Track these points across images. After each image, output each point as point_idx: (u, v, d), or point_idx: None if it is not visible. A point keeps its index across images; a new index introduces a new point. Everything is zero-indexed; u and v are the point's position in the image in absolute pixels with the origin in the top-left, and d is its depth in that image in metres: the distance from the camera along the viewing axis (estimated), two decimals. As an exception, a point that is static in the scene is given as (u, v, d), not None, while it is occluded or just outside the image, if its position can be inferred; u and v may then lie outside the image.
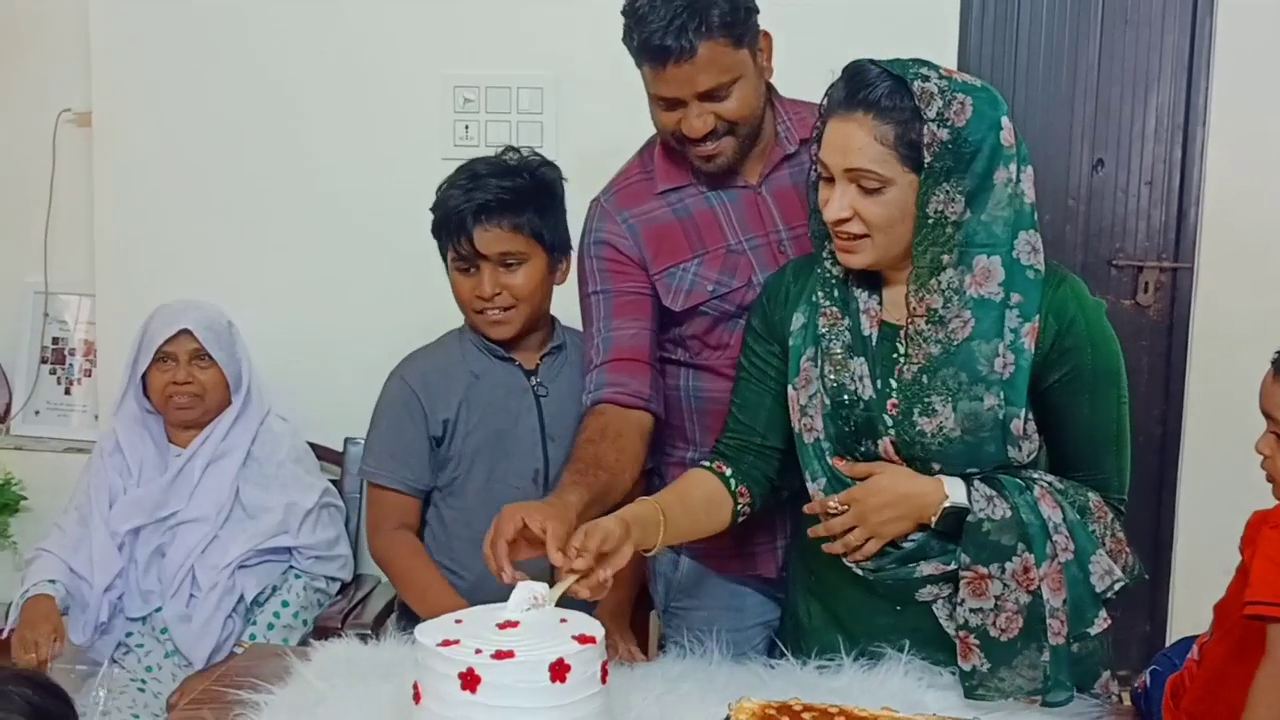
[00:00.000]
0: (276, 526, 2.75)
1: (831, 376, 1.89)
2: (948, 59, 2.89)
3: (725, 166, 2.13)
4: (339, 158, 3.12)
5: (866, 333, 1.89)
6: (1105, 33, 3.21)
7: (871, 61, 1.81)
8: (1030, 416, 1.83)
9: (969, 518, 1.80)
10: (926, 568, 1.86)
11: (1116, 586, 1.83)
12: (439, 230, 2.34)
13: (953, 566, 1.83)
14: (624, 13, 2.06)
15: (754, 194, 2.18)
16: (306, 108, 3.14)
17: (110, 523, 2.74)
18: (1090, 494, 1.87)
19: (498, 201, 2.30)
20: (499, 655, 1.55)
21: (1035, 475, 1.86)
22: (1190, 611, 3.08)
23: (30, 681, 1.36)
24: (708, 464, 2.00)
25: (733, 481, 1.97)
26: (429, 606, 2.15)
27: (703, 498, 1.96)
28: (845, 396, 1.88)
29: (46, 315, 3.49)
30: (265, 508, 2.77)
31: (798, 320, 1.95)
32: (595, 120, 2.97)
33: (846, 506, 1.87)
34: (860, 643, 1.91)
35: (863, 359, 1.88)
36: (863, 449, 1.89)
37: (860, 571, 1.89)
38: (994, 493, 1.81)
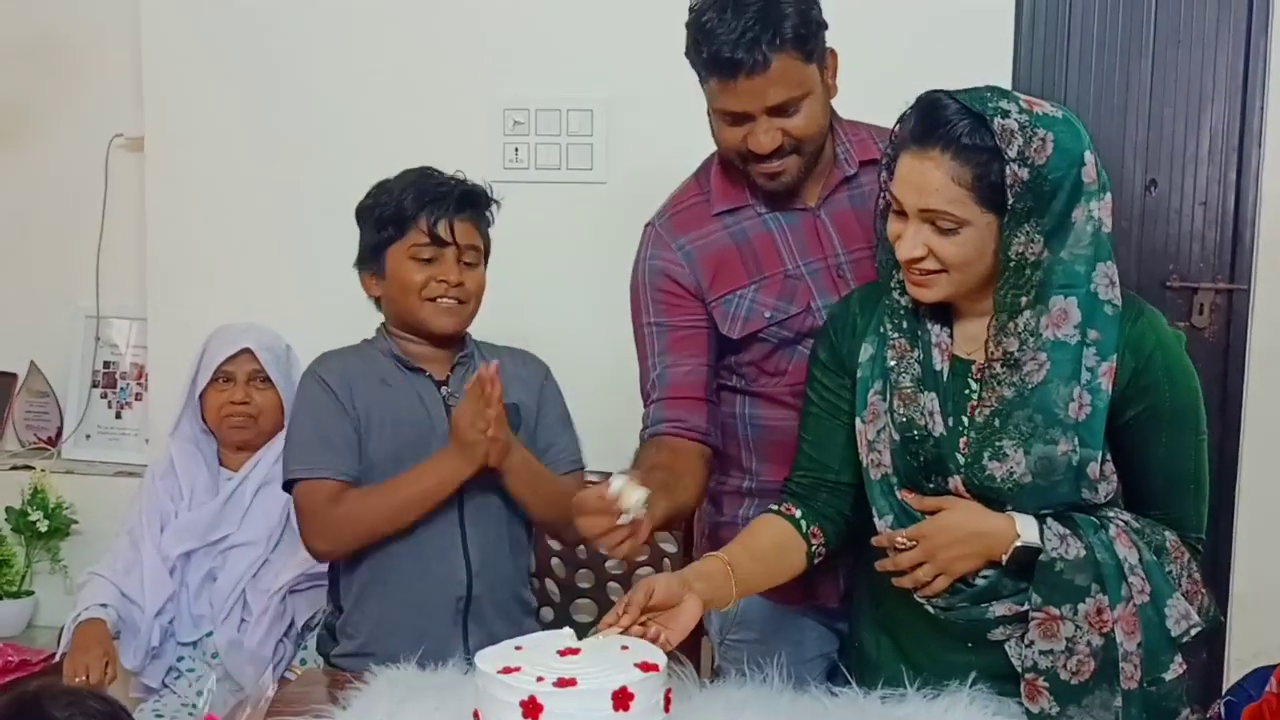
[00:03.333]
0: None
1: (900, 411, 1.84)
2: (1002, 80, 2.87)
3: (789, 185, 2.10)
4: (390, 182, 3.13)
5: (938, 367, 1.84)
6: (1158, 53, 3.17)
7: (948, 94, 1.75)
8: (1108, 457, 1.79)
9: (1041, 557, 1.75)
10: (999, 608, 1.81)
11: (1193, 631, 1.78)
12: (399, 218, 2.30)
13: (1026, 607, 1.78)
14: (689, 26, 2.03)
15: (813, 217, 2.15)
16: (358, 132, 3.15)
17: (162, 547, 2.74)
18: (1167, 533, 1.81)
19: (475, 195, 2.34)
20: (561, 683, 1.54)
21: (1111, 513, 1.80)
22: (1249, 640, 3.03)
23: (105, 702, 1.38)
24: (776, 507, 1.95)
25: (804, 523, 1.92)
26: (426, 479, 2.21)
27: (772, 545, 1.91)
28: (915, 432, 1.83)
29: (98, 339, 3.51)
30: None
31: (866, 351, 1.90)
32: (646, 142, 2.96)
33: (915, 542, 1.83)
34: (929, 679, 1.85)
35: (933, 394, 1.83)
36: (932, 485, 1.84)
37: (931, 609, 1.85)
38: (1068, 531, 1.77)
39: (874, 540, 1.88)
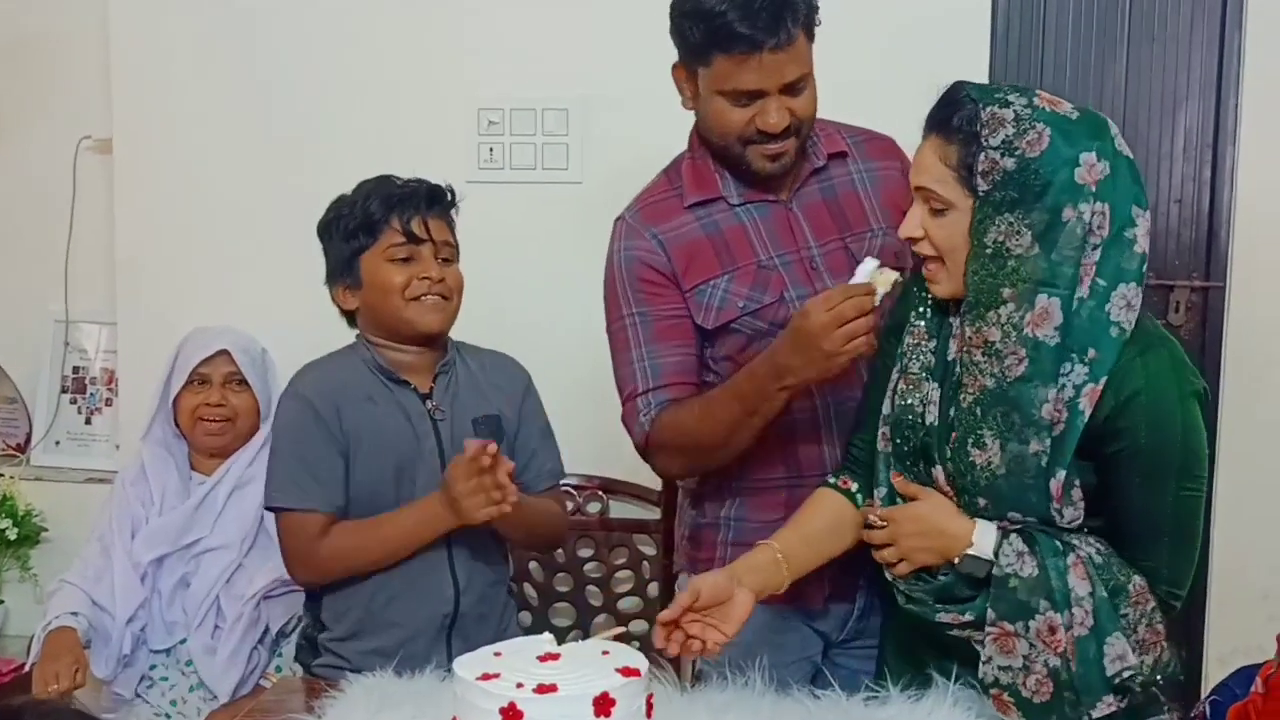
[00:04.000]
0: None
1: (903, 393, 1.88)
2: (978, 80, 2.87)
3: (786, 168, 2.11)
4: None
5: (951, 358, 1.86)
6: (1132, 52, 3.17)
7: (967, 84, 1.80)
8: (1075, 483, 1.76)
9: (995, 571, 1.76)
10: (945, 616, 1.83)
11: (1125, 674, 1.73)
12: (369, 223, 2.26)
13: (968, 618, 1.80)
14: (686, 8, 2.02)
15: (785, 209, 2.16)
16: (330, 132, 3.13)
17: (133, 553, 2.70)
18: (1136, 577, 1.77)
19: (441, 192, 2.31)
20: (541, 689, 1.52)
21: (1077, 541, 1.78)
22: (1226, 638, 3.04)
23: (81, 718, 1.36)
24: (833, 480, 2.00)
25: (860, 497, 1.96)
26: (415, 529, 2.16)
27: (826, 525, 1.96)
28: (910, 416, 1.86)
29: (67, 344, 3.47)
30: None
31: (905, 334, 1.94)
32: (622, 142, 2.94)
33: (886, 523, 1.87)
34: (911, 657, 1.90)
35: (937, 385, 1.85)
36: (916, 471, 1.87)
37: (895, 593, 1.90)
38: (1027, 550, 1.76)
39: (860, 509, 1.94)
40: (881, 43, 2.91)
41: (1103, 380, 1.72)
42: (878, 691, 1.83)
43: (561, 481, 2.50)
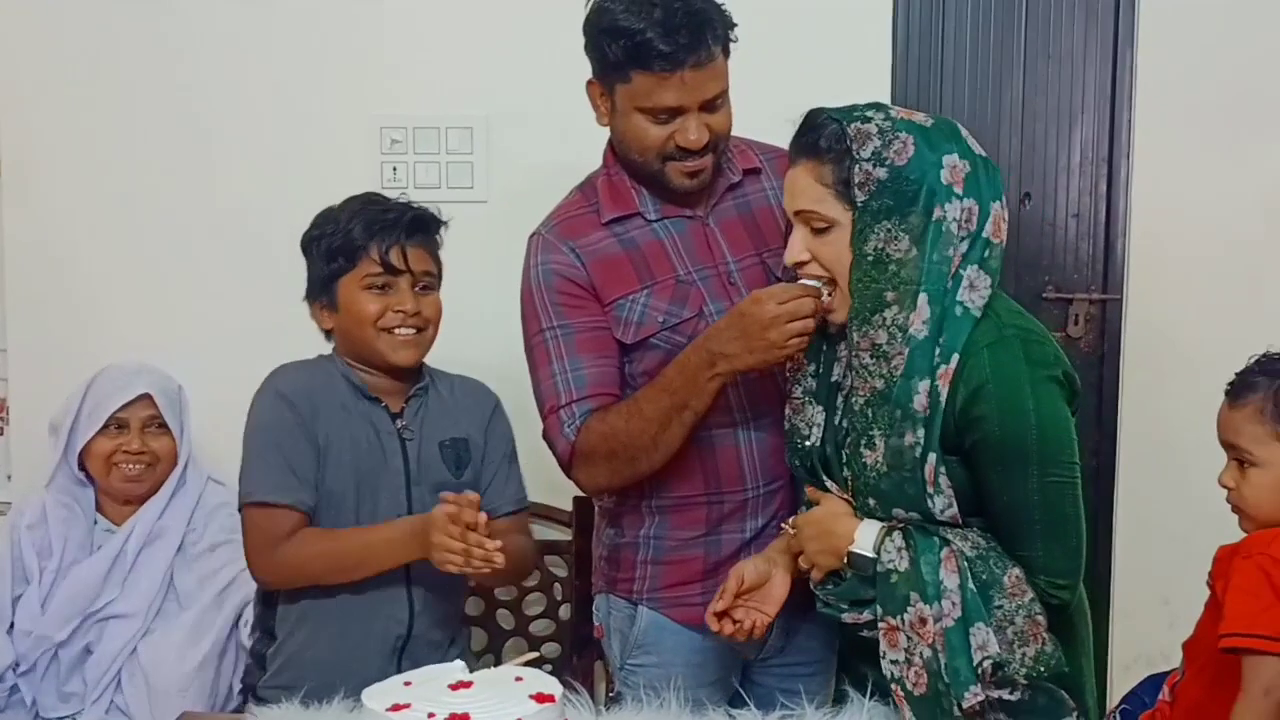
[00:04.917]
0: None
1: (790, 418, 1.95)
2: (881, 98, 2.90)
3: (705, 184, 2.13)
4: (265, 203, 3.04)
5: (834, 379, 1.91)
6: (1028, 68, 3.23)
7: (825, 110, 1.85)
8: (943, 470, 1.79)
9: (878, 567, 1.80)
10: (848, 617, 1.87)
11: (986, 664, 1.74)
12: (348, 248, 2.24)
13: (866, 617, 1.83)
14: (603, 25, 2.03)
15: (702, 225, 2.17)
16: (229, 152, 3.07)
17: (41, 626, 2.55)
18: (1014, 569, 1.79)
19: (425, 219, 2.29)
20: (454, 719, 1.50)
21: (951, 536, 1.81)
22: (1130, 646, 3.09)
23: None
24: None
25: None
26: (381, 550, 2.13)
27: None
28: (797, 439, 1.93)
29: (-45, 372, 3.36)
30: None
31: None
32: (527, 160, 2.93)
33: (795, 530, 1.93)
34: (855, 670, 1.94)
35: (821, 408, 1.91)
36: (812, 483, 1.94)
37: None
38: (904, 545, 1.80)
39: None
40: (782, 59, 2.91)
41: (954, 358, 1.77)
42: (793, 709, 1.84)
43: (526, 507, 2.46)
